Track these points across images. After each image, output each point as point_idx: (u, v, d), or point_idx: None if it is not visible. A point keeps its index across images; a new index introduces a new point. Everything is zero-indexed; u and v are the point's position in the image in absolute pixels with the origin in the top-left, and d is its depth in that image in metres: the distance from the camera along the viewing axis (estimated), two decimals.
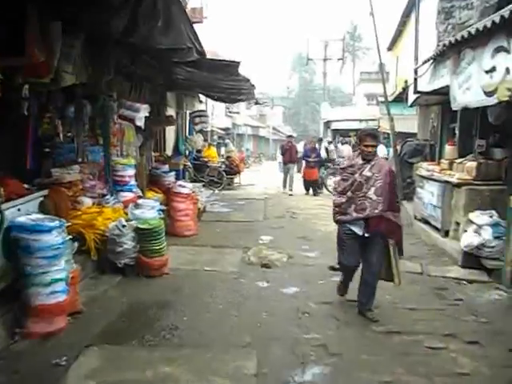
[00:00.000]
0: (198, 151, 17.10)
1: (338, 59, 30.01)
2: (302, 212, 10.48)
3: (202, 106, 24.95)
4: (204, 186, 15.02)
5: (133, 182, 6.79)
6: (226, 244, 7.26)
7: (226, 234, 8.08)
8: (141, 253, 5.52)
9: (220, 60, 7.07)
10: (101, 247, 5.49)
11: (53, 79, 4.62)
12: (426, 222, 7.81)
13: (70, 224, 4.77)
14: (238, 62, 6.81)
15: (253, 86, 9.86)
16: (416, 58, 8.63)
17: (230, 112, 36.51)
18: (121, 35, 5.12)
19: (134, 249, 5.50)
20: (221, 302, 4.77)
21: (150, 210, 6.47)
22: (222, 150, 19.65)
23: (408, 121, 20.59)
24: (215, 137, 26.47)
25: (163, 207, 7.01)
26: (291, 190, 14.15)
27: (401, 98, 13.47)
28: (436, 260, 6.41)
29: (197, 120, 11.10)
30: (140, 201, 6.73)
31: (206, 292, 5.07)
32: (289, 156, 14.35)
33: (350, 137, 26.29)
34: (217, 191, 14.54)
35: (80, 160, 6.02)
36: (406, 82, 11.10)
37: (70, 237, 4.29)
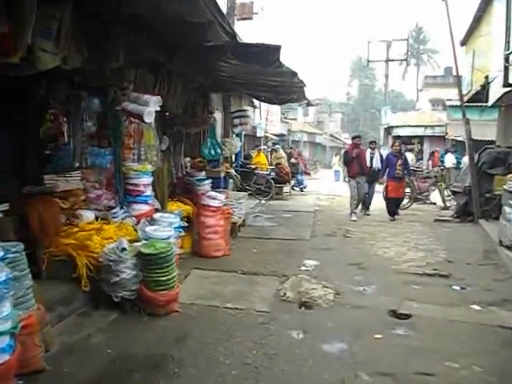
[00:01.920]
0: (246, 157, 15.98)
1: (402, 60, 27.88)
2: (356, 230, 8.96)
3: (256, 112, 24.05)
4: (251, 195, 13.91)
5: (149, 192, 5.64)
6: (260, 270, 5.94)
7: (264, 255, 6.75)
8: (143, 284, 4.33)
9: (255, 44, 5.80)
10: (95, 275, 4.37)
11: (25, 59, 3.53)
12: None
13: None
14: (278, 46, 5.53)
15: (302, 82, 8.49)
16: (508, 41, 6.92)
17: (285, 118, 35.44)
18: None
19: (135, 279, 4.32)
20: (235, 365, 3.44)
21: (166, 227, 5.31)
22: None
23: (484, 127, 18.37)
24: (269, 143, 25.35)
25: (184, 223, 5.80)
26: (367, 212, 10.91)
27: (476, 101, 11.61)
28: None
29: (236, 121, 9.90)
30: (157, 215, 5.58)
31: (219, 344, 3.77)
32: (357, 166, 10.24)
33: (413, 144, 24.25)
34: (263, 201, 13.27)
35: (78, 165, 4.94)
36: (486, 77, 9.36)
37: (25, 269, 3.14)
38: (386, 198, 10.42)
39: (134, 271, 4.31)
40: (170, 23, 4.78)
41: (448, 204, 11.98)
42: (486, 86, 9.31)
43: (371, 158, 10.46)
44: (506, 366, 3.54)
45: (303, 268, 6.09)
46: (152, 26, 4.98)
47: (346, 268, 6.17)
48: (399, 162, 10.11)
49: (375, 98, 63.41)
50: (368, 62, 24.34)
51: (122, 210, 5.35)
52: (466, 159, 18.78)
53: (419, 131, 24.08)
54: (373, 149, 10.79)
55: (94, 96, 5.31)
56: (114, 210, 5.28)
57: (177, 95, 7.57)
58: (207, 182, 8.63)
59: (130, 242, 4.80)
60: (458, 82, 9.57)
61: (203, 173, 8.91)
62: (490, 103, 9.27)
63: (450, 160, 19.50)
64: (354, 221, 9.93)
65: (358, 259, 6.60)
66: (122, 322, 4.18)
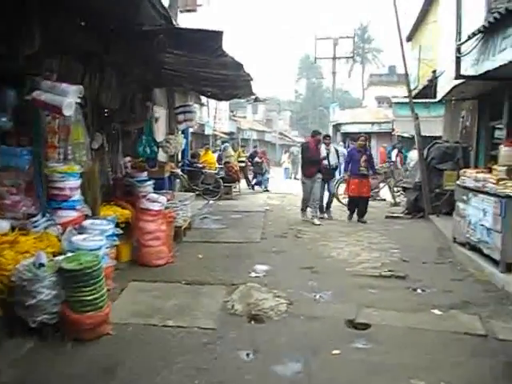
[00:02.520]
0: (193, 156, 15.36)
1: (348, 57, 28.10)
2: (308, 229, 8.60)
3: (204, 110, 23.42)
4: (198, 195, 13.32)
5: (77, 196, 4.95)
6: (206, 279, 5.41)
7: (210, 261, 6.23)
8: (66, 305, 3.70)
9: (195, 29, 5.25)
10: (7, 297, 3.69)
11: None
12: (474, 249, 5.91)
13: None
14: (220, 31, 5.01)
15: (248, 75, 8.03)
16: (459, 33, 6.73)
17: (234, 116, 34.99)
18: None
19: (55, 300, 3.68)
20: None
21: (97, 235, 4.68)
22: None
23: (431, 123, 18.65)
24: (218, 141, 24.78)
25: (119, 231, 5.18)
26: (327, 215, 9.92)
27: (423, 96, 11.60)
28: (500, 309, 4.47)
29: (180, 117, 9.29)
30: (87, 222, 4.92)
31: (156, 373, 3.23)
32: (315, 164, 9.35)
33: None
34: (211, 201, 12.71)
35: None
36: (434, 72, 9.27)
37: None
38: (349, 197, 9.79)
39: (55, 291, 3.67)
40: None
41: (398, 200, 11.93)
42: (433, 81, 9.23)
43: (327, 154, 9.58)
44: (476, 379, 3.22)
45: (253, 274, 5.62)
46: (75, 5, 4.33)
47: (299, 272, 5.76)
48: (363, 157, 9.35)
49: (323, 96, 64.13)
50: (316, 58, 24.28)
51: (45, 218, 4.65)
52: (411, 154, 19.14)
53: (367, 128, 24.24)
54: (328, 144, 9.84)
55: (7, 87, 4.57)
56: (35, 219, 4.57)
57: (111, 88, 6.91)
58: (149, 183, 7.99)
59: (54, 255, 4.16)
60: (406, 77, 9.44)
61: (145, 173, 8.26)
62: (438, 97, 9.19)
63: (395, 156, 19.71)
64: (311, 222, 9.17)
65: (311, 262, 6.21)
66: (41, 352, 3.53)
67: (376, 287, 5.14)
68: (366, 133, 24.76)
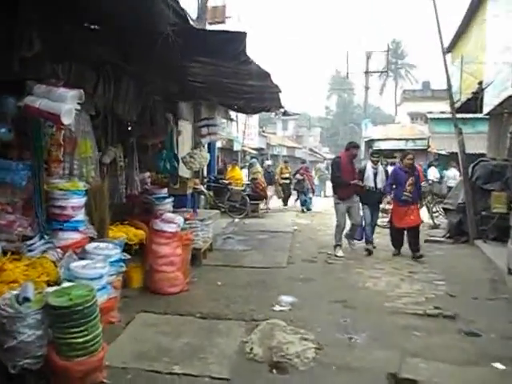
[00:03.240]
0: (219, 172, 14.87)
1: (381, 72, 27.32)
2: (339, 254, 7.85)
3: (233, 125, 23.05)
4: (224, 212, 12.78)
5: (80, 216, 4.42)
6: (223, 312, 4.77)
7: (230, 290, 5.59)
8: (53, 348, 3.12)
9: (215, 31, 4.74)
10: None
11: None
12: None
13: None
14: (243, 32, 4.46)
15: (276, 87, 7.46)
16: None
17: (263, 132, 34.62)
18: None
19: (39, 341, 3.10)
20: None
21: (100, 261, 4.12)
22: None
23: (470, 140, 17.76)
24: (247, 157, 24.33)
25: (126, 256, 4.61)
26: (372, 248, 7.95)
27: (466, 111, 10.75)
28: None
29: (204, 131, 8.75)
30: (90, 246, 4.38)
31: None
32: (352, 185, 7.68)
33: (395, 157, 23.44)
34: (237, 220, 12.11)
35: None
36: (480, 83, 8.46)
37: None
38: (392, 229, 7.95)
39: (39, 331, 3.09)
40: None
41: (437, 222, 11.03)
42: (479, 93, 8.44)
43: (374, 175, 7.79)
44: None
45: (277, 308, 4.94)
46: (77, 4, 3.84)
47: (330, 307, 5.04)
48: (410, 179, 7.45)
49: (354, 113, 63.34)
50: (348, 73, 23.59)
51: (43, 241, 4.13)
52: (449, 173, 18.15)
53: (401, 144, 23.26)
54: (376, 162, 7.97)
55: (6, 94, 4.12)
56: (31, 241, 4.06)
57: (129, 99, 6.43)
58: (168, 200, 7.47)
59: (49, 284, 3.63)
60: (448, 90, 8.68)
61: (165, 190, 7.74)
62: (485, 111, 8.36)
63: (433, 174, 18.71)
64: (341, 257, 7.48)
65: (344, 294, 5.49)
66: None
67: (421, 329, 4.37)
68: (400, 150, 23.96)
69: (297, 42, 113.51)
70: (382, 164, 8.41)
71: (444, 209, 9.71)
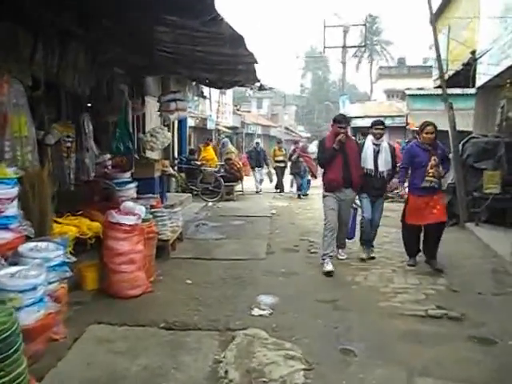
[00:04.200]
0: (191, 152, 13.98)
1: (359, 46, 26.54)
2: None
3: (206, 103, 22.01)
4: (197, 195, 11.97)
5: (11, 210, 3.55)
6: (192, 319, 4.02)
7: (202, 290, 4.83)
8: None
9: None
10: None
11: None
12: None
13: None
14: None
15: (252, 55, 6.62)
16: None
17: (238, 110, 33.64)
18: None
19: None
20: None
21: (35, 268, 3.30)
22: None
23: (458, 117, 17.32)
24: (222, 136, 23.41)
25: (70, 258, 3.78)
26: (371, 253, 6.16)
27: (451, 86, 10.09)
28: None
29: (172, 106, 7.85)
30: (25, 247, 3.54)
31: None
32: (343, 169, 5.65)
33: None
34: (210, 203, 11.31)
35: None
36: (473, 52, 7.78)
37: None
38: (406, 226, 5.85)
39: None
40: None
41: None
42: (471, 64, 7.78)
43: (376, 154, 5.76)
44: None
45: (256, 312, 4.21)
46: None
47: (317, 308, 4.34)
48: (433, 159, 5.44)
49: (329, 91, 62.70)
50: (324, 48, 22.69)
51: None
52: None
53: None
54: (379, 136, 5.80)
55: None
56: None
57: (79, 69, 5.53)
58: (131, 185, 6.63)
59: None
60: (438, 60, 7.96)
61: (127, 174, 6.88)
62: (478, 83, 7.68)
63: None
64: (329, 272, 5.37)
65: (331, 291, 4.80)
66: None
67: (425, 336, 3.72)
68: None
69: (271, 16, 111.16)
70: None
71: None
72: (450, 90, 12.83)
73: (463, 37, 8.38)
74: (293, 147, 14.68)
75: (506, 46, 5.62)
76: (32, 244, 3.61)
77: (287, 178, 14.71)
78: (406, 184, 6.30)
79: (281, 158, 14.69)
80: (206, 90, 22.25)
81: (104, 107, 6.37)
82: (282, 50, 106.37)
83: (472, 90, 10.07)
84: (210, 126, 21.97)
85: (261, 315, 4.15)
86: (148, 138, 7.43)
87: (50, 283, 3.43)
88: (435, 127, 5.49)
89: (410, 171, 5.76)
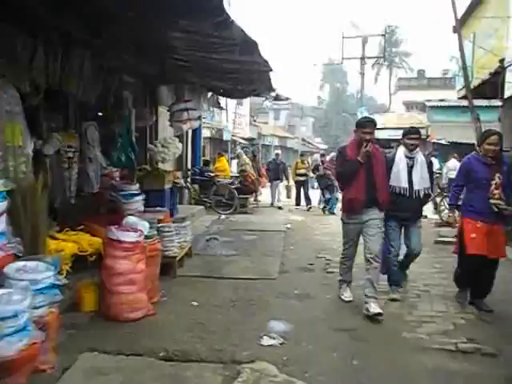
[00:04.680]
0: (205, 163, 13.69)
1: (378, 57, 26.15)
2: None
3: (223, 114, 21.83)
4: (210, 207, 11.65)
5: None
6: (195, 348, 3.63)
7: (208, 313, 4.45)
8: None
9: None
10: None
11: None
12: None
13: None
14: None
15: (266, 63, 6.33)
16: None
17: (255, 121, 33.49)
18: None
19: None
20: None
21: (18, 292, 2.98)
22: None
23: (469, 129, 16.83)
24: (238, 147, 23.20)
25: (60, 280, 3.45)
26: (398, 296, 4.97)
27: (477, 97, 9.61)
28: None
29: (184, 115, 7.53)
30: (11, 267, 3.23)
31: None
32: (365, 187, 4.56)
33: (392, 148, 22.37)
34: (223, 216, 10.96)
35: None
36: (501, 61, 7.34)
37: None
38: (465, 258, 4.57)
39: None
40: None
41: (445, 218, 9.95)
42: (500, 73, 7.33)
43: (410, 168, 4.79)
44: None
45: (265, 341, 3.81)
46: None
47: (333, 338, 3.93)
48: (497, 177, 4.35)
49: (347, 102, 62.21)
50: (342, 59, 22.36)
51: None
52: (449, 164, 17.07)
53: (399, 134, 22.17)
54: (413, 148, 4.80)
55: None
56: None
57: (85, 76, 5.25)
58: (138, 198, 6.37)
59: None
60: (463, 70, 7.56)
61: (135, 186, 6.60)
62: (508, 93, 7.21)
63: (434, 165, 17.68)
64: (349, 301, 4.82)
65: (349, 318, 4.39)
66: None
67: (455, 375, 3.28)
68: (397, 140, 22.93)
69: (289, 28, 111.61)
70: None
71: (457, 205, 8.58)
72: (475, 102, 12.37)
73: (490, 45, 7.95)
74: (319, 159, 14.05)
75: None
76: (20, 264, 3.29)
77: (311, 192, 14.11)
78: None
79: (302, 172, 13.71)
80: (222, 100, 22.19)
81: (111, 116, 6.10)
82: (300, 61, 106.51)
83: (498, 102, 9.62)
84: (226, 136, 21.82)
85: (271, 345, 3.75)
86: (159, 149, 7.15)
87: (36, 308, 3.10)
88: (501, 137, 4.49)
89: (465, 191, 4.70)
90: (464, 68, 7.38)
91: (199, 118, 8.30)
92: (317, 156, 15.62)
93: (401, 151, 4.86)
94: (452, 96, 26.37)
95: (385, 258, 4.84)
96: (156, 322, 4.20)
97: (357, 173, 4.50)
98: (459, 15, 9.98)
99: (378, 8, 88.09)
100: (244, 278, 5.68)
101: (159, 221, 6.03)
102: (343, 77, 62.18)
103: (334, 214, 11.75)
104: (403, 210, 4.73)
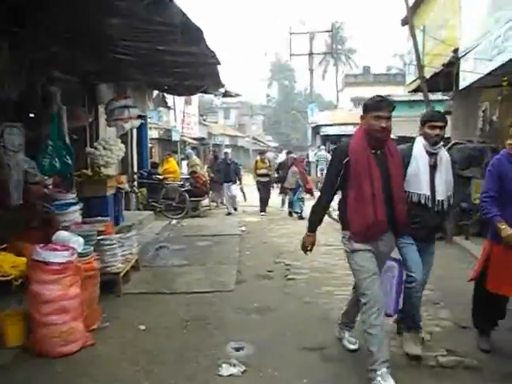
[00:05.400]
0: (153, 166, 12.97)
1: (326, 53, 26.16)
2: (305, 263, 6.31)
3: (171, 114, 21.03)
4: (160, 212, 10.98)
5: None
6: None
7: (156, 340, 3.86)
8: None
9: None
10: None
11: None
12: None
13: None
14: None
15: (213, 55, 5.79)
16: None
17: (204, 121, 32.85)
18: None
19: None
20: None
21: None
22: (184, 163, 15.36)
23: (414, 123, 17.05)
24: (187, 148, 22.48)
25: None
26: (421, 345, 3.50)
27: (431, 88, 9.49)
28: None
29: (125, 114, 6.83)
30: None
31: None
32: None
33: None
34: (174, 222, 10.33)
35: None
36: (455, 51, 7.17)
37: None
38: (483, 291, 3.56)
39: None
40: None
41: None
42: (454, 64, 7.17)
43: (432, 171, 3.42)
44: None
45: (225, 371, 3.29)
46: None
47: (303, 361, 3.46)
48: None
49: (296, 100, 62.62)
50: (290, 55, 22.12)
51: None
52: None
53: (349, 130, 22.26)
54: (437, 140, 3.38)
55: None
56: None
57: (2, 69, 4.51)
58: (75, 207, 5.68)
59: None
60: (417, 60, 7.38)
61: (72, 194, 5.89)
62: (463, 84, 7.03)
63: None
64: (354, 350, 3.55)
65: (317, 333, 3.93)
66: None
67: None
68: (347, 135, 23.05)
69: (234, 25, 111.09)
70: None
71: None
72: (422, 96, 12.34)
73: (442, 36, 7.81)
74: (284, 157, 12.63)
75: (500, 40, 5.01)
76: None
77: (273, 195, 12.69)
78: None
79: (264, 172, 11.97)
80: (169, 99, 21.37)
81: (40, 117, 5.37)
82: (248, 58, 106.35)
83: (447, 96, 9.57)
84: (175, 137, 21.08)
85: (231, 375, 3.24)
86: (101, 152, 6.43)
87: None
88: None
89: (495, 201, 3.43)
90: (418, 57, 7.15)
91: (139, 116, 7.59)
92: (268, 155, 14.56)
93: (420, 144, 3.43)
94: (398, 91, 26.89)
95: (404, 290, 3.37)
96: (94, 356, 3.58)
97: (366, 179, 3.07)
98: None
99: (324, 5, 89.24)
100: (197, 292, 5.14)
101: (100, 232, 5.38)
102: (291, 75, 62.48)
103: (302, 218, 10.21)
104: (420, 226, 3.37)
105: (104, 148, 6.54)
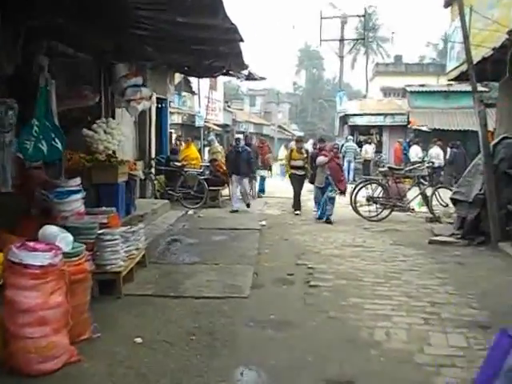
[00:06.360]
0: (173, 152, 12.39)
1: (358, 39, 25.04)
2: (330, 267, 5.66)
3: (195, 99, 20.45)
4: (177, 201, 10.44)
5: None
6: None
7: (152, 357, 3.29)
8: None
9: None
10: None
11: None
12: None
13: None
14: None
15: (236, 31, 5.15)
16: None
17: (229, 107, 32.27)
18: None
19: None
20: None
21: None
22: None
23: (451, 116, 16.25)
24: (211, 134, 21.93)
25: None
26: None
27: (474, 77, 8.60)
28: None
29: (138, 94, 6.18)
30: None
31: None
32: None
33: (371, 134, 21.42)
34: (191, 212, 9.76)
35: None
36: (510, 32, 6.30)
37: None
38: None
39: None
40: None
41: (437, 213, 9.02)
42: (510, 47, 6.31)
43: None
44: None
45: None
46: None
47: None
48: None
49: (323, 89, 61.34)
50: (320, 40, 21.15)
51: None
52: (431, 152, 16.23)
53: (378, 120, 21.30)
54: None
55: None
56: None
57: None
58: (77, 196, 5.15)
59: None
60: (465, 42, 6.50)
61: (75, 180, 5.34)
62: None
63: (415, 153, 16.79)
64: None
65: (343, 359, 3.29)
66: None
67: None
68: (377, 126, 22.09)
69: (263, 14, 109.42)
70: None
71: (453, 200, 7.62)
72: (458, 87, 11.41)
73: (493, 16, 6.95)
74: (311, 147, 11.17)
75: None
76: None
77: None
78: None
79: (300, 163, 9.90)
80: (194, 84, 20.77)
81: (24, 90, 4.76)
82: (276, 46, 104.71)
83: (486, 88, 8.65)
84: (199, 123, 20.51)
85: None
86: (101, 136, 5.83)
87: None
88: None
89: None
90: (466, 37, 6.30)
91: (156, 99, 7.00)
92: (292, 144, 13.32)
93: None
94: (430, 82, 25.69)
95: None
96: (78, 376, 3.03)
97: None
98: None
99: None
100: (207, 297, 4.55)
101: (102, 225, 4.84)
102: (319, 62, 61.12)
103: (331, 223, 8.75)
104: None
105: (105, 132, 5.93)
